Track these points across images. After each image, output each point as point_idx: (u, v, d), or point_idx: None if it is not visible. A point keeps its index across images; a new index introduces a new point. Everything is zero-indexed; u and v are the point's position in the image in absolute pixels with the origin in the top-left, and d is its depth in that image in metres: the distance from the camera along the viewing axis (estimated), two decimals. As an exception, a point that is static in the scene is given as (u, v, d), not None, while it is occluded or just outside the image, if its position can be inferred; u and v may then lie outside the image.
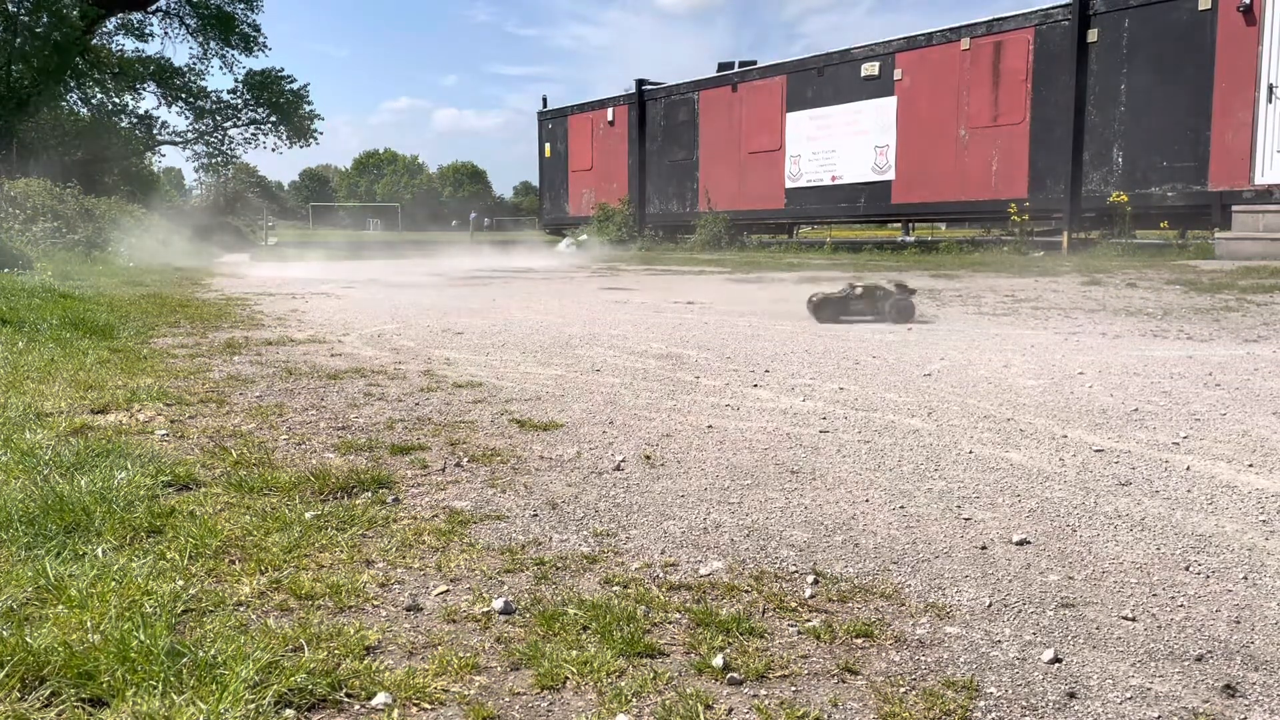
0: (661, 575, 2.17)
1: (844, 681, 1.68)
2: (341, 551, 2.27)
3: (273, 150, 34.03)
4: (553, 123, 26.31)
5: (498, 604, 1.97)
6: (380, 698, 1.60)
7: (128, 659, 1.61)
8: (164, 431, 3.46)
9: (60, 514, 2.35)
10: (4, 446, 3.00)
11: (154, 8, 30.65)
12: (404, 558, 2.25)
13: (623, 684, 1.65)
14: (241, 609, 1.92)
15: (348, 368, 4.99)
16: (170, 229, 20.97)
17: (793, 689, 1.66)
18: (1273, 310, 6.97)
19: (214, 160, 34.28)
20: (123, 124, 31.15)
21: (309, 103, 33.73)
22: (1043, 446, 3.23)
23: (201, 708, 1.49)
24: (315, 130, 33.99)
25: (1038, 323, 6.64)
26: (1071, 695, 1.63)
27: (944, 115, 16.54)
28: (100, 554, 2.14)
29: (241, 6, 31.31)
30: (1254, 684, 1.67)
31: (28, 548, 2.17)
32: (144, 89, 31.79)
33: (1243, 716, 1.57)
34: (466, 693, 1.64)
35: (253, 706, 1.52)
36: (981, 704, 1.60)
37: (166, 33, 35.45)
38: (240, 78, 32.69)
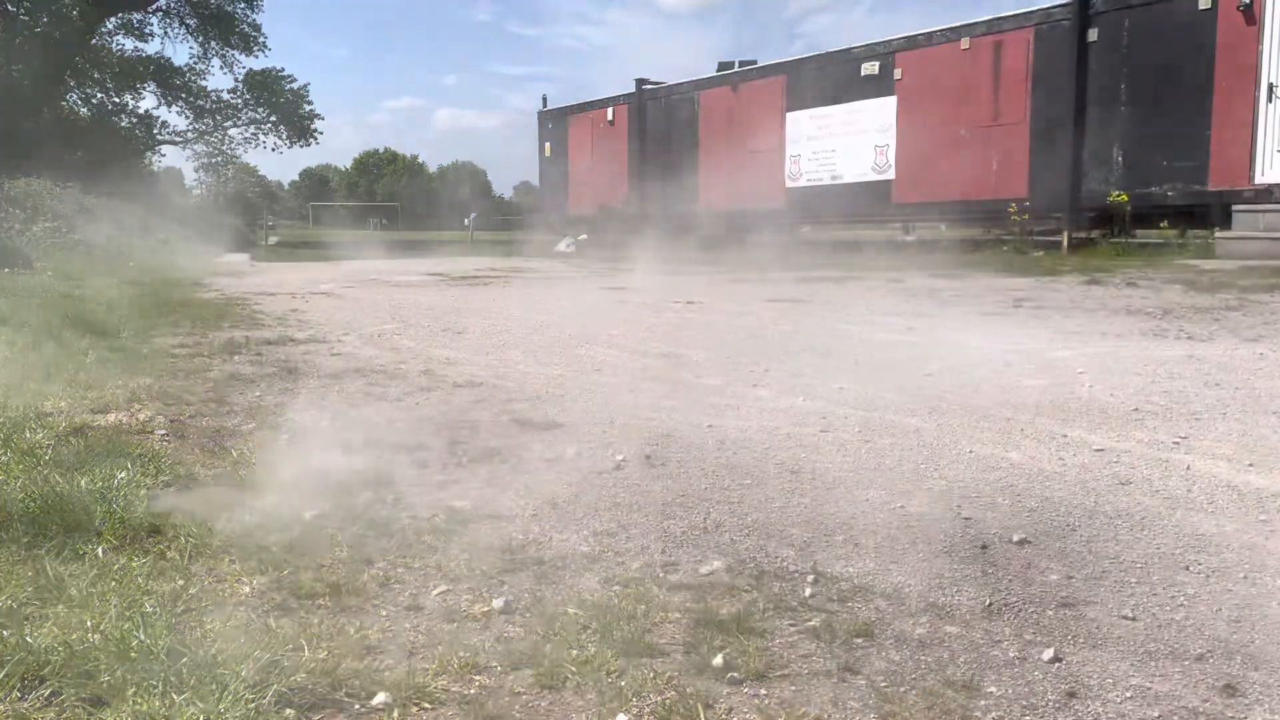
0: (661, 575, 2.17)
1: (844, 681, 1.68)
2: (341, 551, 2.27)
3: (273, 150, 33.85)
4: (553, 122, 26.28)
5: (498, 603, 1.97)
6: (380, 697, 1.60)
7: (128, 659, 1.61)
8: (164, 431, 3.45)
9: (60, 514, 2.35)
10: (4, 446, 3.00)
11: (154, 7, 30.62)
12: (404, 557, 2.25)
13: (623, 683, 1.65)
14: (241, 609, 1.92)
15: (348, 367, 4.99)
16: (170, 229, 20.96)
17: (793, 688, 1.66)
18: (1273, 309, 6.96)
19: (214, 160, 34.27)
20: (123, 124, 31.13)
21: (309, 103, 33.70)
22: (1043, 446, 3.23)
23: (201, 707, 1.49)
24: (315, 130, 33.97)
25: (1037, 323, 6.64)
26: (1071, 694, 1.63)
27: (944, 115, 16.51)
28: (100, 554, 2.14)
29: (241, 6, 31.27)
30: (1254, 683, 1.67)
31: (28, 548, 2.17)
32: (144, 89, 31.76)
33: (1243, 716, 1.57)
34: (467, 692, 1.64)
35: (253, 706, 1.52)
36: (982, 703, 1.60)
37: (166, 33, 35.34)
38: (240, 78, 32.66)
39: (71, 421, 3.47)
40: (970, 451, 3.18)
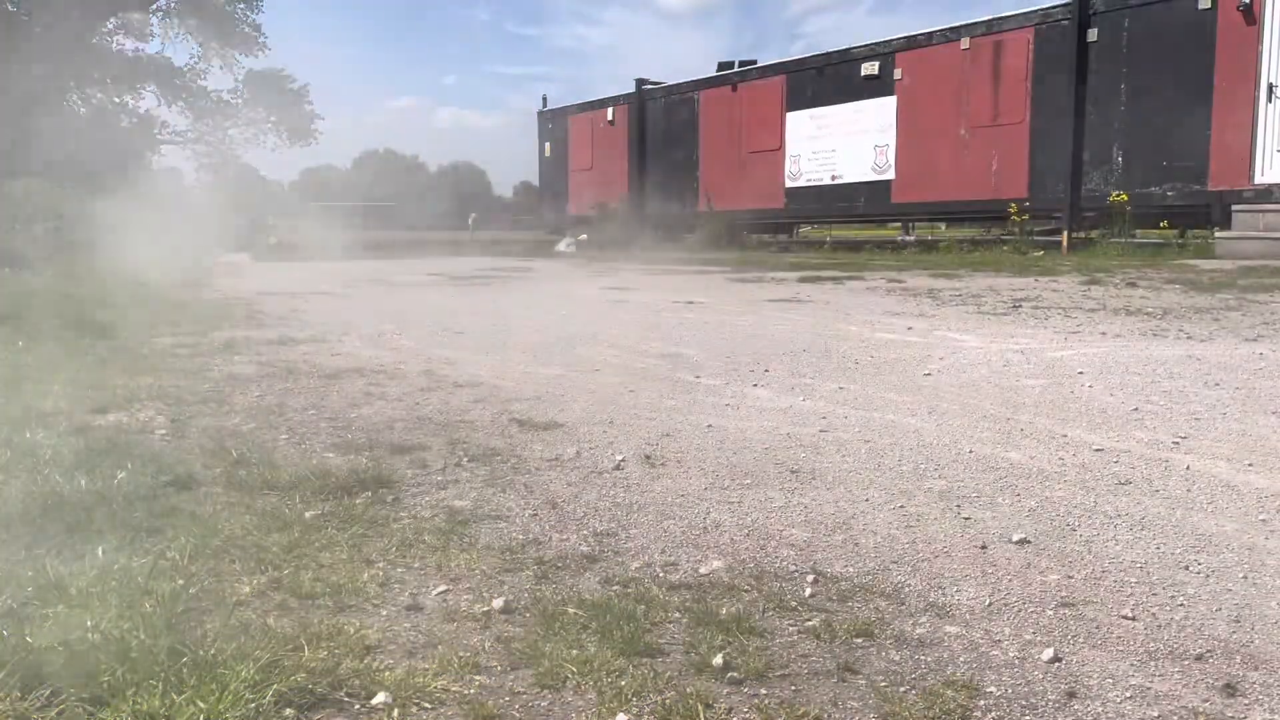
0: (661, 575, 2.17)
1: (844, 681, 1.68)
2: (341, 551, 2.27)
3: (272, 150, 33.77)
4: (553, 122, 26.28)
5: (497, 603, 1.98)
6: (380, 697, 1.60)
7: (128, 659, 1.61)
8: (164, 431, 3.46)
9: (60, 514, 2.35)
10: (4, 446, 3.00)
11: (154, 7, 30.62)
12: (404, 557, 2.25)
13: (623, 683, 1.65)
14: (241, 608, 1.92)
15: (348, 367, 4.99)
16: (171, 229, 20.96)
17: (793, 688, 1.66)
18: (1273, 309, 6.97)
19: (214, 160, 34.25)
20: (123, 124, 31.10)
21: (309, 103, 33.71)
22: (1043, 446, 3.23)
23: (201, 707, 1.49)
24: (315, 130, 33.97)
25: (1037, 323, 6.64)
26: (1071, 694, 1.63)
27: (944, 115, 16.52)
28: (100, 554, 2.14)
29: (241, 6, 31.27)
30: (1254, 683, 1.67)
31: (28, 548, 2.17)
32: (144, 89, 31.74)
33: (1243, 716, 1.57)
34: (466, 692, 1.64)
35: (253, 706, 1.52)
36: (981, 703, 1.60)
37: (166, 33, 35.34)
38: (240, 78, 32.65)
39: (71, 421, 3.47)
40: (970, 451, 3.18)
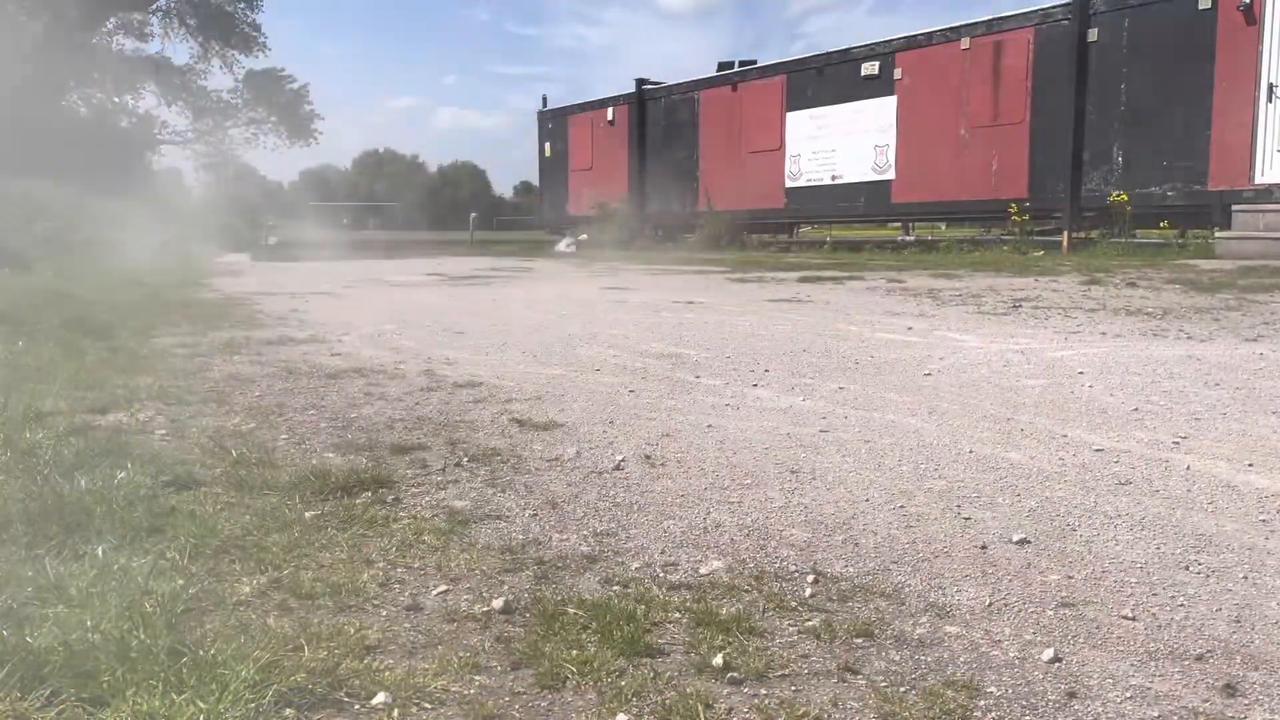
0: (661, 575, 2.17)
1: (844, 681, 1.68)
2: (341, 551, 2.27)
3: (272, 150, 33.82)
4: (553, 122, 26.28)
5: (498, 603, 1.98)
6: (380, 697, 1.60)
7: (128, 659, 1.61)
8: (164, 431, 3.46)
9: (60, 514, 2.35)
10: (4, 446, 3.00)
11: (154, 7, 30.63)
12: (404, 557, 2.25)
13: (623, 683, 1.65)
14: (241, 609, 1.92)
15: (347, 367, 4.99)
16: (170, 229, 20.95)
17: (793, 688, 1.66)
18: (1273, 309, 6.96)
19: (214, 160, 34.25)
20: (123, 124, 31.09)
21: (309, 103, 33.74)
22: (1043, 446, 3.23)
23: (201, 707, 1.49)
24: (315, 130, 34.00)
25: (1037, 323, 6.64)
26: (1071, 694, 1.63)
27: (944, 115, 16.52)
28: (100, 554, 2.14)
29: (241, 6, 31.30)
30: (1254, 683, 1.67)
31: (28, 548, 2.17)
32: (144, 89, 31.77)
33: (1243, 716, 1.57)
34: (466, 692, 1.64)
35: (253, 706, 1.52)
36: (982, 703, 1.60)
37: (166, 32, 35.30)
38: (240, 77, 32.67)
39: (71, 421, 3.47)
40: (970, 451, 3.18)
